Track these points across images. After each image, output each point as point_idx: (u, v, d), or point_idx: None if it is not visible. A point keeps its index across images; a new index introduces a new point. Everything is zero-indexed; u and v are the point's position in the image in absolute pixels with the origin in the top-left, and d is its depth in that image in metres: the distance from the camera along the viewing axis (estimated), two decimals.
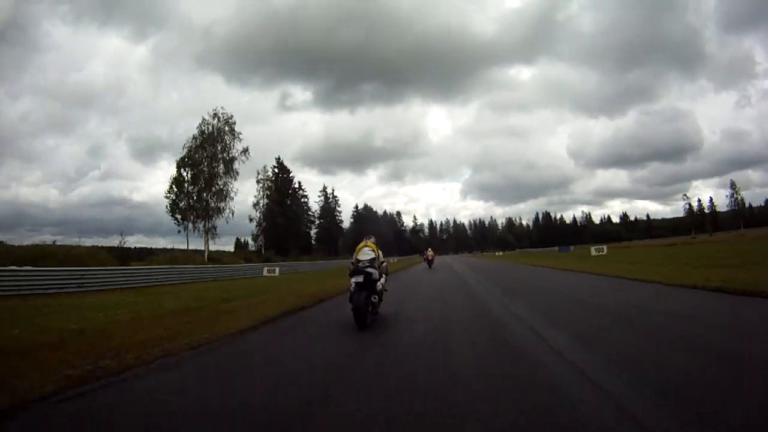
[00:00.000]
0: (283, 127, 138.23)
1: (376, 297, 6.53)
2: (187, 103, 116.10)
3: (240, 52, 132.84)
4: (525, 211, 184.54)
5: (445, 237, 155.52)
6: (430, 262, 32.72)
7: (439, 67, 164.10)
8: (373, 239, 7.36)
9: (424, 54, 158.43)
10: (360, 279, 6.23)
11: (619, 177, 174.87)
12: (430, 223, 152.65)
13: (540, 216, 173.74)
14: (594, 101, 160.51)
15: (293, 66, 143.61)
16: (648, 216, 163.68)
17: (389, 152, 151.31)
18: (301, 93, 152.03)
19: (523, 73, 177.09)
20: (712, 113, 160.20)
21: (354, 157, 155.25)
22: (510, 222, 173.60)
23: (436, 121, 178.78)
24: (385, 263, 7.42)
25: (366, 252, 6.77)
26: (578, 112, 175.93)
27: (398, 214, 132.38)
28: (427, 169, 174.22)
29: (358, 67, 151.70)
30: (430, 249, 36.14)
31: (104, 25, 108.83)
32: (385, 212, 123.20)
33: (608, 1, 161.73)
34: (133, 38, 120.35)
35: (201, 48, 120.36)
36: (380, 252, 7.02)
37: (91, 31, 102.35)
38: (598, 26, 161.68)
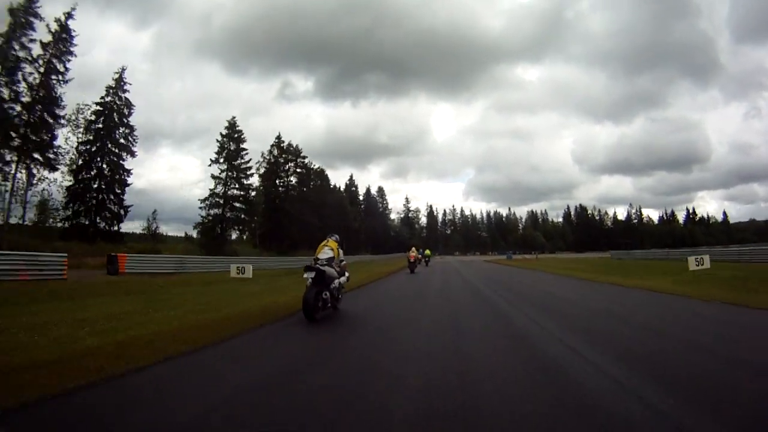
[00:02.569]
0: (283, 118, 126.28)
1: (327, 294, 6.86)
2: (187, 92, 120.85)
3: (240, 41, 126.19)
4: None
5: (449, 232, 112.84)
6: (412, 265, 23.97)
7: (445, 62, 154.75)
8: (335, 238, 7.72)
9: (430, 47, 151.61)
10: (312, 275, 6.62)
11: (623, 184, 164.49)
12: (430, 211, 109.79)
13: (572, 211, 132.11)
14: (601, 105, 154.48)
15: (294, 54, 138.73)
16: (725, 214, 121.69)
17: (392, 148, 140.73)
18: (302, 82, 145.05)
19: (529, 73, 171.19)
20: (720, 124, 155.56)
21: (356, 152, 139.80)
22: (533, 217, 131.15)
23: (440, 118, 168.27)
24: (344, 262, 7.84)
25: (325, 251, 7.21)
26: (584, 116, 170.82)
27: (380, 191, 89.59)
28: (431, 167, 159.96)
29: (362, 57, 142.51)
30: (414, 249, 25.07)
31: (106, 12, 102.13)
32: (353, 185, 79.84)
33: (620, 0, 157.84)
34: (134, 25, 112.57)
35: (201, 36, 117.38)
36: (341, 251, 7.54)
37: (93, 17, 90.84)
38: (608, 27, 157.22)
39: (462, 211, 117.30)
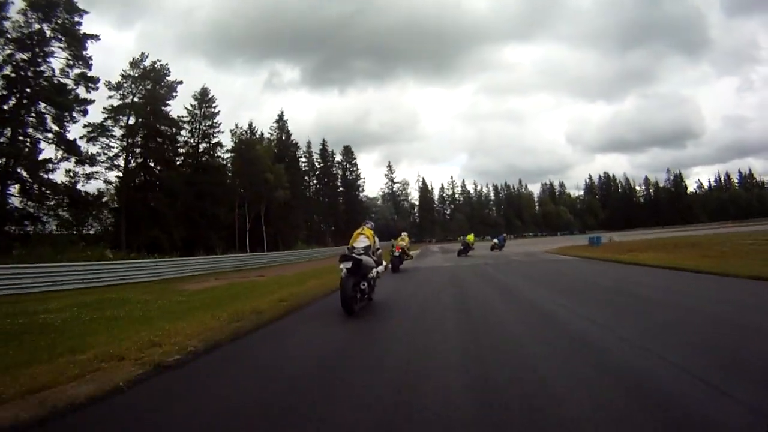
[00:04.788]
0: (270, 109, 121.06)
1: (365, 284, 6.31)
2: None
3: (224, 33, 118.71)
4: None
5: (448, 212, 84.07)
6: (395, 260, 13.63)
7: (431, 45, 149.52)
8: (370, 225, 7.27)
9: (416, 31, 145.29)
10: (349, 265, 5.97)
11: (619, 162, 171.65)
12: (423, 186, 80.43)
13: (597, 180, 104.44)
14: (593, 84, 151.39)
15: (279, 44, 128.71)
16: None
17: (382, 136, 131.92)
18: (288, 71, 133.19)
19: (519, 53, 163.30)
20: (713, 98, 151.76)
21: (346, 141, 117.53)
22: (550, 191, 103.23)
23: (430, 103, 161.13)
24: (380, 250, 7.42)
25: (361, 240, 6.81)
26: (576, 96, 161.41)
27: (347, 152, 59.50)
28: (423, 154, 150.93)
29: (347, 43, 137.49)
30: (405, 235, 15.61)
31: (88, 12, 59.23)
32: (285, 132, 47.54)
33: None
34: (117, 26, 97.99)
35: (185, 32, 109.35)
36: (376, 239, 7.09)
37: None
38: (597, 2, 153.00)
39: (464, 184, 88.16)
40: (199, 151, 30.97)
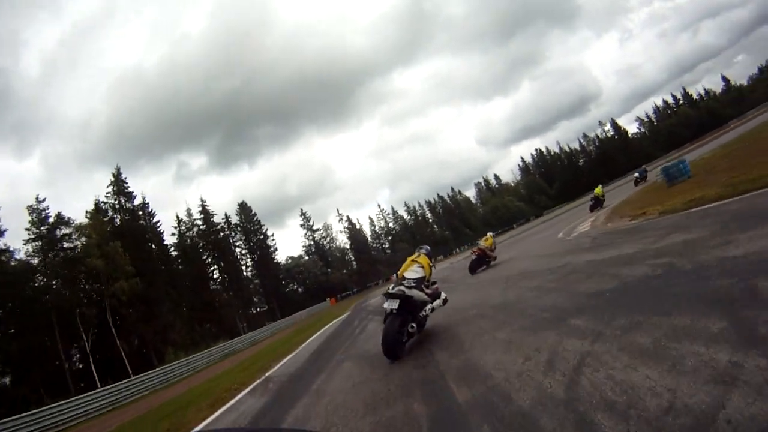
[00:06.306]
0: (187, 202, 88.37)
1: (414, 326, 4.81)
2: (89, 206, 73.02)
3: (121, 137, 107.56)
4: None
5: (387, 245, 74.92)
6: (474, 264, 13.01)
7: (325, 94, 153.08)
8: (426, 251, 5.87)
9: (307, 84, 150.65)
10: (395, 305, 4.65)
11: (534, 146, 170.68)
12: (350, 226, 70.92)
13: (533, 156, 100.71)
14: (485, 83, 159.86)
15: (178, 133, 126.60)
16: (725, 79, 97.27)
17: (304, 197, 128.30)
18: (195, 159, 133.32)
19: (407, 77, 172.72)
20: (601, 58, 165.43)
21: (270, 213, 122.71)
22: (486, 188, 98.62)
23: (339, 150, 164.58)
24: (436, 284, 5.76)
25: (415, 269, 5.37)
26: (474, 99, 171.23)
27: (243, 209, 49.57)
28: (346, 201, 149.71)
29: (244, 115, 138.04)
30: (490, 234, 14.35)
31: None
32: (122, 193, 36.52)
33: None
34: (17, 154, 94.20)
35: (85, 146, 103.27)
36: (433, 269, 5.68)
37: None
38: (466, 4, 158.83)
39: (394, 211, 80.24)
40: None
